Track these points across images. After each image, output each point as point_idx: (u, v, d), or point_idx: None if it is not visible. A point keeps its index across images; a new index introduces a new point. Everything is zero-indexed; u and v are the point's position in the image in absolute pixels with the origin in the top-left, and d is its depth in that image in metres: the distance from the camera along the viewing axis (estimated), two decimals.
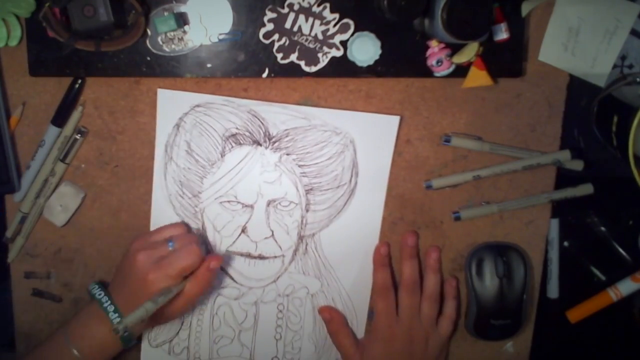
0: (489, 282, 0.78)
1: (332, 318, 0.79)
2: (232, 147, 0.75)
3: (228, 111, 0.74)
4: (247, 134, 0.75)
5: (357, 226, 0.78)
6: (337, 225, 0.78)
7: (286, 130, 0.75)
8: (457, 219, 0.78)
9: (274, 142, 0.75)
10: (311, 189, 0.76)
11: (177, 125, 0.75)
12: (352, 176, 0.76)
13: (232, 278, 0.78)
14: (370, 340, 0.78)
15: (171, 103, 0.74)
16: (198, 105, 0.74)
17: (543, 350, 0.83)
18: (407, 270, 0.77)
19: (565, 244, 0.81)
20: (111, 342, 0.70)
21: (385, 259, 0.78)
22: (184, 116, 0.74)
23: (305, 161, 0.76)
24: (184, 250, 0.69)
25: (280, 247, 0.77)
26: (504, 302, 0.78)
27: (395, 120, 0.75)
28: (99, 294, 0.70)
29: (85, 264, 0.78)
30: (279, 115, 0.75)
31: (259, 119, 0.74)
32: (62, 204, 0.75)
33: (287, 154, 0.75)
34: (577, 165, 0.77)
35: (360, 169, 0.76)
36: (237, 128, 0.75)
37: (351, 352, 0.77)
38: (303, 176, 0.76)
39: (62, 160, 0.74)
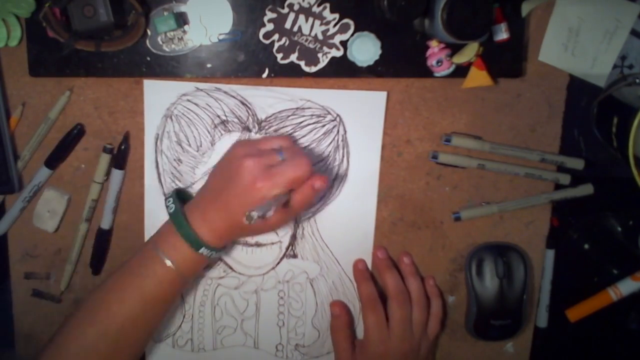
0: (489, 282, 0.78)
1: (340, 315, 0.78)
2: (222, 134, 0.75)
3: (215, 98, 0.74)
4: (236, 120, 0.74)
5: (353, 206, 0.77)
6: (332, 207, 0.77)
7: (274, 113, 0.75)
8: (457, 219, 0.78)
9: (263, 127, 0.75)
10: None
11: (166, 116, 0.74)
12: (344, 155, 0.76)
13: (230, 267, 0.78)
14: (363, 356, 0.77)
15: (158, 94, 0.74)
16: (185, 94, 0.74)
17: (543, 350, 0.83)
18: (390, 281, 0.77)
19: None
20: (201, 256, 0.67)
21: (366, 273, 0.78)
22: (171, 106, 0.74)
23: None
24: (295, 160, 0.65)
25: (277, 233, 0.77)
26: (504, 302, 0.79)
27: (382, 95, 0.75)
28: (174, 212, 0.67)
29: (85, 265, 0.78)
30: (265, 99, 0.74)
31: (246, 104, 0.74)
32: (49, 209, 0.75)
33: None
34: (577, 165, 0.77)
35: (352, 147, 0.76)
36: (225, 115, 0.74)
37: (344, 356, 0.77)
38: None
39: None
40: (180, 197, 0.69)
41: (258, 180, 0.63)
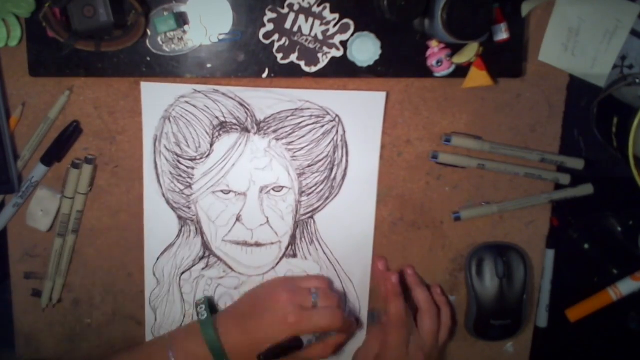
0: (489, 282, 0.78)
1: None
2: (220, 135, 0.75)
3: (213, 100, 0.74)
4: (234, 121, 0.74)
5: (352, 207, 0.77)
6: (332, 207, 0.77)
7: (273, 114, 0.75)
8: (457, 219, 0.78)
9: (262, 128, 0.75)
10: (303, 172, 0.76)
11: (164, 118, 0.74)
12: (343, 156, 0.76)
13: (230, 268, 0.78)
14: None
15: (156, 96, 0.74)
16: (182, 96, 0.74)
17: (543, 350, 0.83)
18: (421, 296, 0.77)
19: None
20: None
21: (398, 288, 0.76)
22: (169, 108, 0.74)
23: (295, 144, 0.75)
24: (328, 311, 0.70)
25: (277, 233, 0.77)
26: (504, 302, 0.79)
27: (381, 96, 0.75)
28: (202, 314, 0.72)
29: (85, 264, 0.78)
30: (264, 100, 0.74)
31: (244, 106, 0.74)
32: (43, 208, 0.75)
33: (276, 139, 0.75)
34: (577, 165, 0.77)
35: (351, 148, 0.76)
36: (223, 116, 0.74)
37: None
38: (294, 160, 0.76)
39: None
40: (211, 305, 0.74)
41: (289, 316, 0.68)
